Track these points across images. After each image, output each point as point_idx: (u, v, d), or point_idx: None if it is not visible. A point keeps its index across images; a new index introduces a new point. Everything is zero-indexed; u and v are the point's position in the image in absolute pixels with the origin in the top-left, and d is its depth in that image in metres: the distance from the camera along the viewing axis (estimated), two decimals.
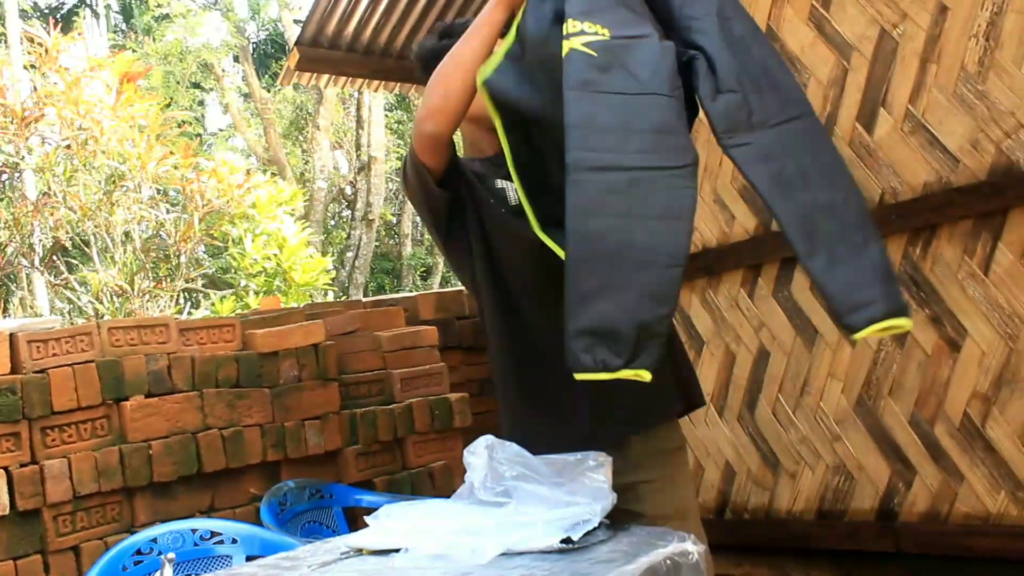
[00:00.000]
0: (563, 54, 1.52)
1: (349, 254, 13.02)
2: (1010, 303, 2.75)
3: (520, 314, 1.90)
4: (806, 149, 1.55)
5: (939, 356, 2.92)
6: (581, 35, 1.52)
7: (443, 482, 3.35)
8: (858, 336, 1.44)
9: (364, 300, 3.94)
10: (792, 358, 3.31)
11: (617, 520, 1.65)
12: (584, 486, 1.53)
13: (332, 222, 15.93)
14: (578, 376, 1.43)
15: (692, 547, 1.46)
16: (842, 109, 3.12)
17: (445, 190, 1.83)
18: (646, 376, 1.43)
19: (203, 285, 7.22)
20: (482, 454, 1.59)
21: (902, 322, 1.45)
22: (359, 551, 1.61)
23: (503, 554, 1.42)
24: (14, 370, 2.66)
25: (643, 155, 1.49)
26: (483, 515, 1.58)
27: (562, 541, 1.44)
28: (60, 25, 6.08)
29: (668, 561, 1.40)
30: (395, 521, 1.70)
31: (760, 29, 1.65)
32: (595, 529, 1.52)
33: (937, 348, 2.93)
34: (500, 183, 1.88)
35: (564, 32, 1.53)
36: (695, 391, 2.03)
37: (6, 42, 11.59)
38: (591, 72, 1.51)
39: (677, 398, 1.95)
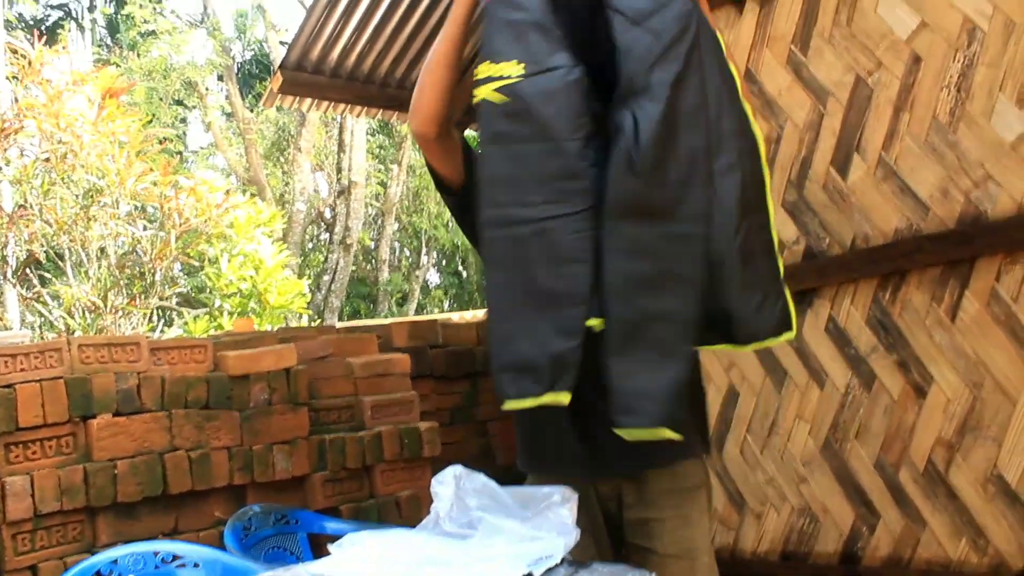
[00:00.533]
0: (475, 103, 1.59)
1: (326, 277, 12.97)
2: (975, 351, 2.80)
3: None
4: (677, 257, 1.58)
5: (905, 401, 2.96)
6: (491, 81, 1.58)
7: (410, 512, 3.33)
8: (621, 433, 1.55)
9: (337, 326, 3.94)
10: (761, 399, 3.34)
11: (629, 555, 1.68)
12: (549, 521, 1.53)
13: (310, 245, 15.89)
14: (505, 406, 1.55)
15: None
16: (817, 153, 3.18)
17: (462, 191, 1.87)
18: (565, 399, 1.54)
19: (177, 303, 7.18)
20: (450, 484, 1.59)
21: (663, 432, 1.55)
22: None
23: None
24: None
25: (546, 205, 1.56)
26: (447, 547, 1.58)
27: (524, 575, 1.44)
28: (45, 38, 6.06)
29: None
30: (359, 550, 1.70)
31: (727, 94, 1.66)
32: (557, 565, 1.52)
33: (904, 393, 2.96)
34: None
35: (475, 77, 1.59)
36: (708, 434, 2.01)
37: None
38: (500, 123, 1.58)
39: (698, 439, 1.90)
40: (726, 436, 3.44)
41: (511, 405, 1.56)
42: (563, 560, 1.55)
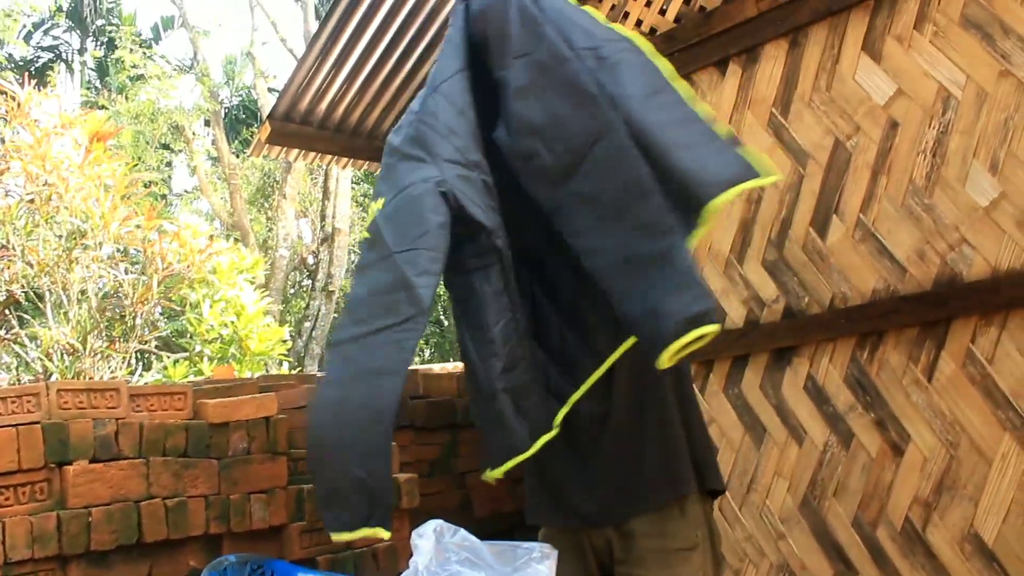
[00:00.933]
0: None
1: (307, 324, 12.94)
2: (951, 411, 2.83)
3: None
4: (614, 174, 1.61)
5: (883, 459, 2.98)
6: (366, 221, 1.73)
7: (388, 563, 3.30)
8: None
9: (318, 375, 3.93)
10: (740, 455, 3.35)
11: None
12: (530, 572, 1.54)
13: (292, 291, 15.87)
14: (333, 537, 1.65)
15: None
16: (797, 213, 3.23)
17: None
18: (385, 535, 1.64)
19: (156, 347, 7.13)
20: (430, 537, 1.60)
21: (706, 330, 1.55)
22: None
23: None
24: None
25: (372, 319, 1.66)
26: None
27: None
28: (36, 80, 6.09)
29: None
30: None
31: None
32: None
33: (881, 452, 2.99)
34: None
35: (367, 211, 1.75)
36: (710, 474, 1.95)
37: None
38: (362, 255, 1.75)
39: (686, 479, 1.87)
40: None
41: (337, 538, 1.66)
42: None
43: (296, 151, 4.40)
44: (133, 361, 6.64)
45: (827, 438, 3.13)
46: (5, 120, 5.89)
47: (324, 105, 4.28)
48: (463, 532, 1.61)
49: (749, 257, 3.36)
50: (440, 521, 1.65)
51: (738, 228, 3.40)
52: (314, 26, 13.17)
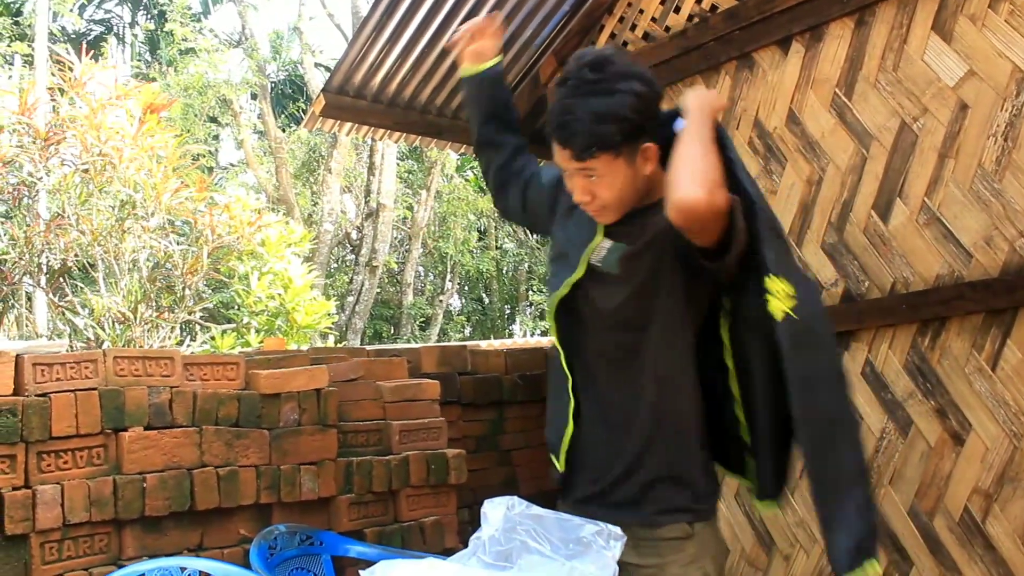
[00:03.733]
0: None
1: (350, 299, 13.02)
2: (1016, 401, 2.76)
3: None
4: None
5: (942, 448, 2.92)
6: (783, 299, 1.68)
7: (434, 538, 3.31)
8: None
9: (368, 348, 3.93)
10: None
11: None
12: (592, 556, 1.52)
13: (335, 265, 15.97)
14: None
15: None
16: (858, 196, 3.16)
17: None
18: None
19: (202, 318, 7.21)
20: (500, 508, 1.59)
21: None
22: None
23: None
24: (16, 392, 2.64)
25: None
26: None
27: None
28: (92, 52, 6.16)
29: None
30: None
31: None
32: None
33: (941, 440, 2.92)
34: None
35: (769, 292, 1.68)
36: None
37: (32, 64, 11.74)
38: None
39: (686, 501, 1.85)
40: None
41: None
42: None
43: (350, 124, 4.39)
44: (180, 331, 6.72)
45: (884, 425, 3.07)
46: (62, 91, 5.96)
47: (378, 79, 4.26)
48: (537, 508, 1.59)
49: (808, 239, 3.30)
50: (515, 498, 1.63)
51: (798, 209, 3.33)
52: (362, 1, 13.17)
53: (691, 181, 1.56)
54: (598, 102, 1.63)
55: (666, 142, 1.72)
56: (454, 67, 4.35)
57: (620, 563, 1.71)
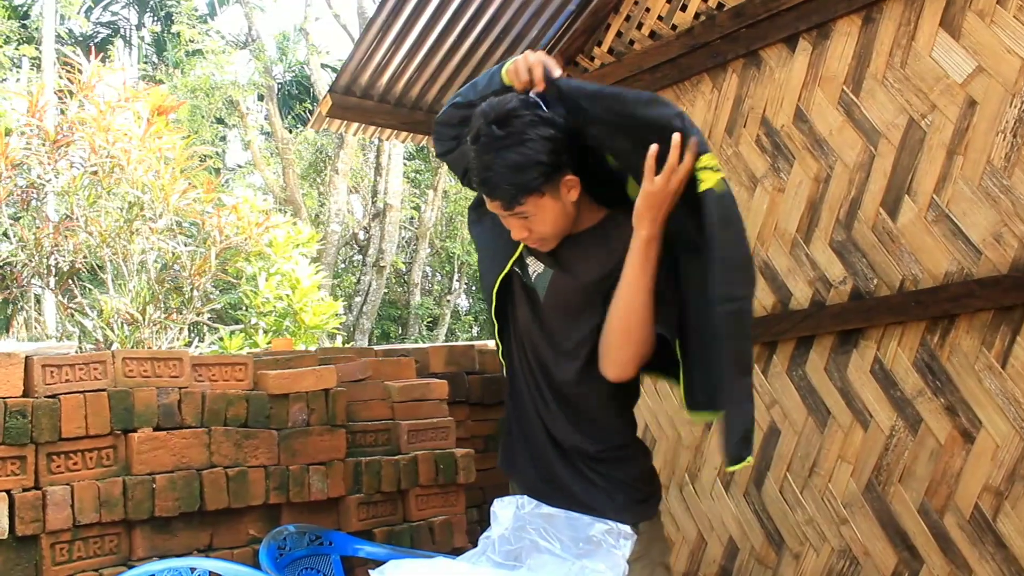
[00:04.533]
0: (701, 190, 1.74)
1: (358, 299, 13.03)
2: None
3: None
4: None
5: (952, 446, 2.91)
6: (713, 171, 1.75)
7: (443, 537, 3.31)
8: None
9: (376, 348, 3.94)
10: (803, 438, 3.30)
11: None
12: (602, 554, 1.52)
13: (343, 266, 15.99)
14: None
15: None
16: (867, 194, 3.15)
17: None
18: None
19: (210, 319, 7.22)
20: (509, 507, 1.58)
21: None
22: None
23: None
24: (26, 393, 2.65)
25: (744, 287, 1.78)
26: None
27: None
28: (101, 55, 6.17)
29: None
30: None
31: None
32: None
33: (950, 438, 2.91)
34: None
35: (701, 165, 1.72)
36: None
37: (40, 67, 11.78)
38: (732, 209, 1.79)
39: (626, 501, 1.83)
40: (765, 474, 3.40)
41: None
42: None
43: (356, 124, 4.39)
44: (188, 333, 6.74)
45: (894, 423, 3.06)
46: (70, 94, 5.97)
47: (385, 79, 4.26)
48: (546, 507, 1.59)
49: (816, 237, 3.29)
50: (525, 497, 1.63)
51: (805, 207, 3.32)
52: (367, 2, 13.18)
53: (618, 365, 1.79)
54: (513, 154, 1.72)
55: (582, 162, 1.84)
56: (460, 67, 4.36)
57: None
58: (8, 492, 2.54)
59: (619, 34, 4.01)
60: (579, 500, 1.74)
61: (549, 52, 4.35)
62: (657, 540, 1.86)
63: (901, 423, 3.04)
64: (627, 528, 1.56)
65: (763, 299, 3.42)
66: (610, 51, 4.03)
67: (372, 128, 4.47)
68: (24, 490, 2.57)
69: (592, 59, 4.10)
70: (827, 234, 3.26)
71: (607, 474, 1.79)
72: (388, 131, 4.56)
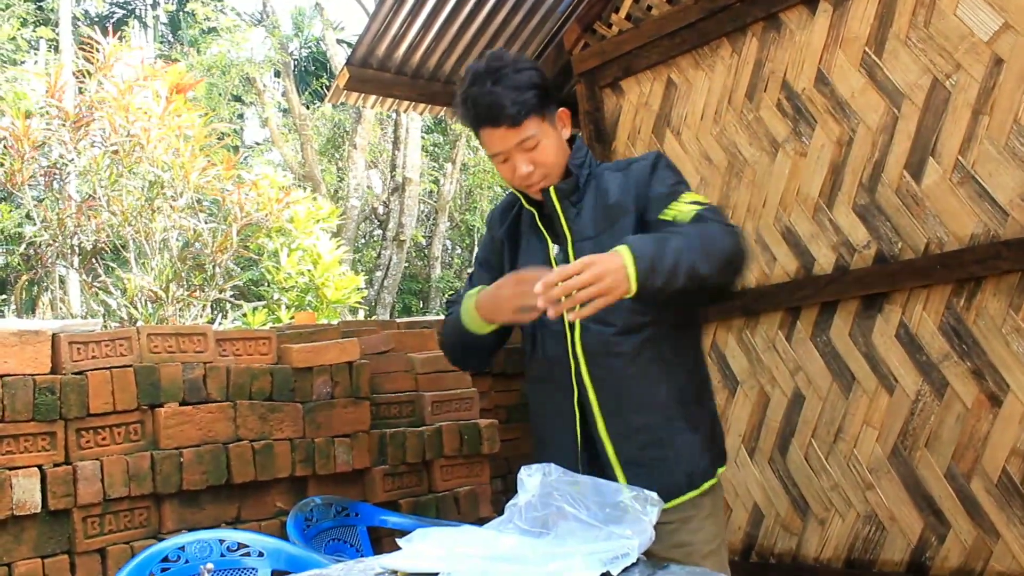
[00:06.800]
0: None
1: (378, 273, 13.06)
2: None
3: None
4: None
5: (979, 410, 2.88)
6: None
7: (468, 507, 3.33)
8: None
9: (398, 321, 3.95)
10: (827, 403, 3.28)
11: (663, 552, 1.68)
12: (629, 520, 1.52)
13: (363, 241, 16.02)
14: None
15: None
16: (890, 156, 3.11)
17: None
18: None
19: (232, 296, 7.27)
20: (536, 474, 1.59)
21: None
22: (394, 572, 1.61)
23: None
24: (54, 370, 2.68)
25: None
26: (522, 544, 1.57)
27: (602, 574, 1.42)
28: (119, 34, 6.18)
29: None
30: (429, 544, 1.69)
31: None
32: (634, 565, 1.50)
33: (977, 402, 2.89)
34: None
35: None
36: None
37: (57, 48, 11.81)
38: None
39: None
40: (790, 440, 3.39)
41: None
42: (639, 560, 1.53)
43: (374, 97, 4.37)
44: (210, 310, 6.78)
45: (919, 387, 3.04)
46: (88, 74, 5.99)
47: (401, 51, 4.24)
48: (573, 474, 1.59)
49: (839, 201, 3.25)
50: (552, 465, 1.63)
51: (828, 171, 3.29)
52: None
53: None
54: (512, 80, 1.85)
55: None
56: (477, 37, 4.33)
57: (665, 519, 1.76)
58: (40, 467, 2.57)
59: (635, 0, 3.97)
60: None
61: (566, 20, 4.31)
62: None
63: (927, 387, 3.02)
64: (654, 494, 1.56)
65: (786, 265, 3.40)
66: (628, 17, 3.98)
67: (390, 100, 4.45)
68: (55, 465, 2.60)
69: (610, 26, 4.06)
70: (850, 198, 3.22)
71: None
72: (406, 103, 4.54)
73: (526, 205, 2.03)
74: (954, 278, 2.95)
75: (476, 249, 15.19)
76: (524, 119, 1.85)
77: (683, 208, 1.82)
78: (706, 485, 1.89)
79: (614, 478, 1.80)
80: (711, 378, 2.13)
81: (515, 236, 2.08)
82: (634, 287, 1.56)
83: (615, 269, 1.55)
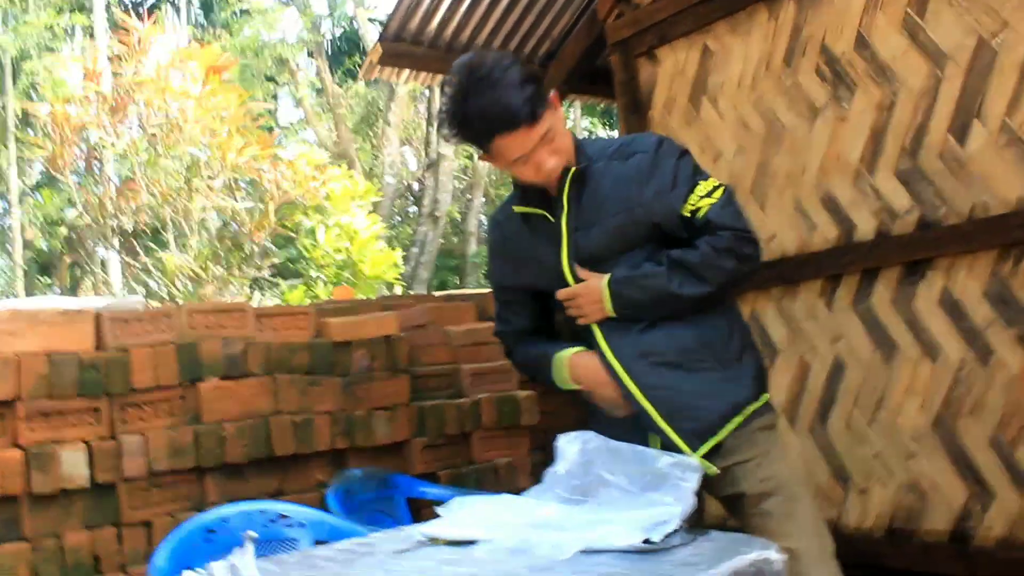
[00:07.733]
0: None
1: (414, 250, 13.10)
2: None
3: None
4: None
5: None
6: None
7: (507, 479, 3.34)
8: None
9: (436, 294, 3.96)
10: (869, 372, 3.24)
11: (720, 505, 1.70)
12: (669, 487, 1.51)
13: (398, 217, 16.07)
14: None
15: (775, 555, 1.43)
16: (933, 120, 3.04)
17: None
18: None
19: (270, 274, 7.33)
20: (575, 443, 1.59)
21: None
22: (434, 540, 1.62)
23: (583, 551, 1.41)
24: (98, 347, 2.73)
25: None
26: (561, 511, 1.57)
27: (643, 541, 1.42)
28: (154, 17, 6.23)
29: (751, 568, 1.38)
30: (468, 513, 1.70)
31: None
32: (675, 532, 1.50)
33: None
34: None
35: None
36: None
37: (92, 34, 11.92)
38: None
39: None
40: (831, 409, 3.35)
41: None
42: (680, 527, 1.52)
43: (407, 72, 4.37)
44: (248, 289, 6.85)
45: (964, 355, 2.98)
46: (122, 58, 6.04)
47: (434, 24, 4.22)
48: (612, 442, 1.59)
49: (881, 166, 3.19)
50: (591, 433, 1.63)
51: (868, 136, 3.22)
52: None
53: None
54: (507, 80, 1.82)
55: None
56: (510, 9, 4.30)
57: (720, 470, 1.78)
58: (87, 443, 2.62)
59: None
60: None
61: None
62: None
63: (971, 355, 2.96)
64: (694, 460, 1.55)
65: (826, 232, 3.35)
66: None
67: (423, 74, 4.45)
68: (100, 440, 2.65)
69: None
70: (892, 163, 3.16)
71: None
72: (439, 77, 4.53)
73: (527, 208, 2.05)
74: (999, 243, 2.88)
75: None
76: (542, 113, 1.84)
77: (700, 204, 1.91)
78: (750, 408, 1.94)
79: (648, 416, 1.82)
80: (750, 331, 2.17)
81: (525, 224, 2.10)
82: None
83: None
